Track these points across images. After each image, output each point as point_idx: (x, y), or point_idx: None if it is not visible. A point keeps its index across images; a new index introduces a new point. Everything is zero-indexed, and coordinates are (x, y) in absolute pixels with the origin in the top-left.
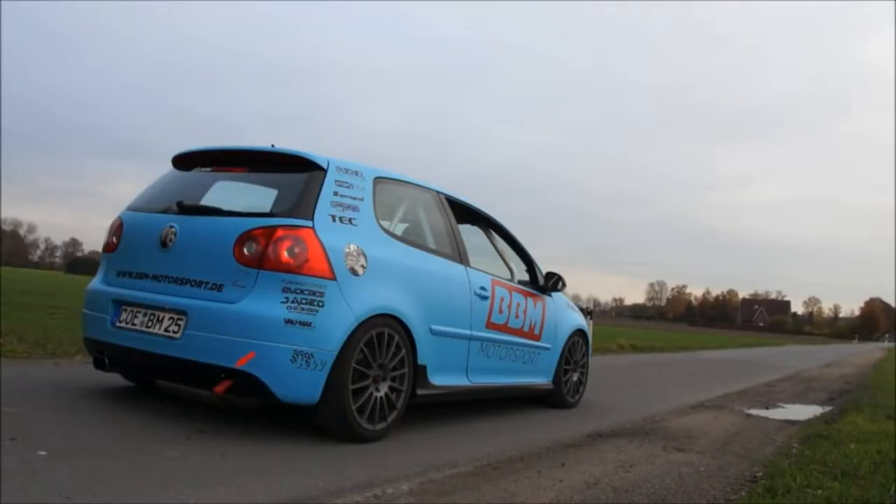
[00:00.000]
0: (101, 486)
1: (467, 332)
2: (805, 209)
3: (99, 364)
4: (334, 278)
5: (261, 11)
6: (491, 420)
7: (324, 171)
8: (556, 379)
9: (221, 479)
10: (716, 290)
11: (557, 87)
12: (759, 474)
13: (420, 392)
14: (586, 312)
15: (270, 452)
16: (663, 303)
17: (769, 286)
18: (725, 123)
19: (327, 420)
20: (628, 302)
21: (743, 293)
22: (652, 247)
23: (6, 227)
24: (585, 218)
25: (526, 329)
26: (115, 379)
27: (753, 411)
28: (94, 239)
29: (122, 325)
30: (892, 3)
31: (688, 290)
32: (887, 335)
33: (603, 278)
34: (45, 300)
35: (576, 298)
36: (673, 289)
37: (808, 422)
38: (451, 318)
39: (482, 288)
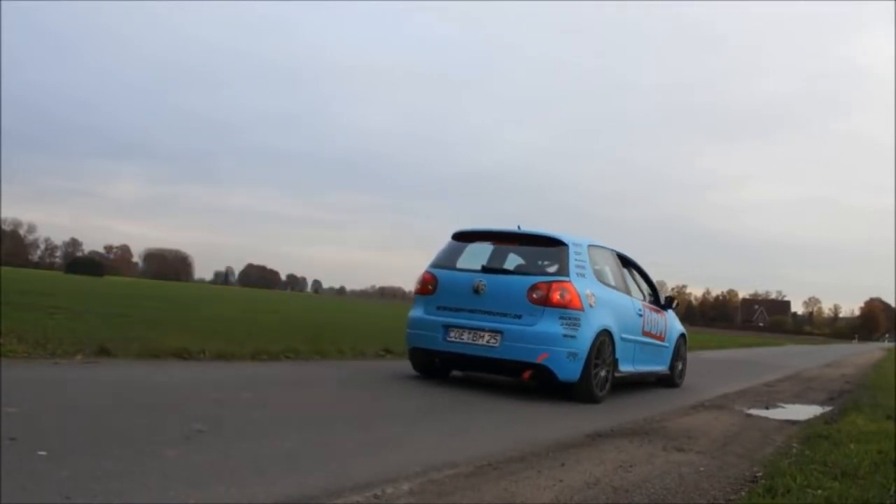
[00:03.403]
0: (101, 486)
1: (634, 337)
2: (805, 209)
3: (429, 364)
4: (583, 310)
5: (261, 11)
6: (491, 420)
7: (567, 245)
8: (671, 367)
9: (221, 479)
10: (716, 290)
11: (557, 87)
12: (759, 474)
13: (616, 375)
14: None
15: (271, 452)
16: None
17: (769, 286)
18: (725, 123)
19: (581, 391)
20: None
21: (743, 293)
22: (652, 247)
23: (6, 227)
24: (585, 218)
25: (657, 334)
26: (114, 379)
27: (753, 411)
28: (93, 239)
29: (453, 339)
30: (892, 2)
31: (688, 290)
32: (887, 335)
33: None
34: (45, 300)
35: None
36: (673, 289)
37: (808, 422)
38: (629, 330)
39: (639, 310)
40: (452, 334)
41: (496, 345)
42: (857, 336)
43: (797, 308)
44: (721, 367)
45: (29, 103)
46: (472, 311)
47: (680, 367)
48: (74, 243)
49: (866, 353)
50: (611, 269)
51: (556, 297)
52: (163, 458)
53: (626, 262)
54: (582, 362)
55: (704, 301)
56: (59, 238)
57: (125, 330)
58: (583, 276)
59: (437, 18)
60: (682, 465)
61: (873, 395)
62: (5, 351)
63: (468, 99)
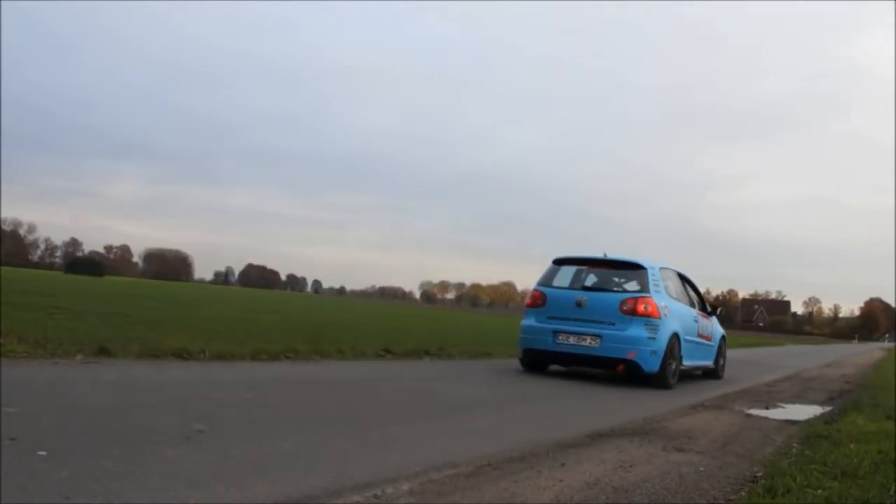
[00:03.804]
0: (101, 486)
1: (692, 339)
2: (805, 209)
3: (537, 361)
4: (660, 318)
5: (261, 11)
6: (491, 420)
7: (646, 269)
8: (715, 362)
9: (221, 479)
10: (716, 290)
11: (557, 87)
12: (759, 474)
13: (681, 368)
14: None
15: (270, 452)
16: None
17: (769, 286)
18: (726, 123)
19: (659, 380)
20: None
21: (743, 293)
22: (652, 247)
23: (6, 227)
24: (586, 218)
25: (707, 336)
26: (114, 379)
27: (753, 411)
28: (93, 239)
29: (561, 342)
30: (892, 2)
31: None
32: (887, 335)
33: None
34: (45, 300)
35: None
36: None
37: (808, 422)
38: (689, 332)
39: (695, 317)
40: (560, 338)
41: (596, 346)
42: (857, 336)
43: (797, 308)
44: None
45: (29, 103)
46: (575, 319)
47: (721, 362)
48: (74, 243)
49: (866, 353)
50: (674, 285)
51: (641, 308)
52: (163, 458)
53: (683, 279)
54: (660, 358)
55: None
56: (59, 238)
57: (125, 330)
58: (658, 292)
59: (437, 18)
60: (682, 465)
61: (873, 395)
62: (5, 351)
63: (468, 99)
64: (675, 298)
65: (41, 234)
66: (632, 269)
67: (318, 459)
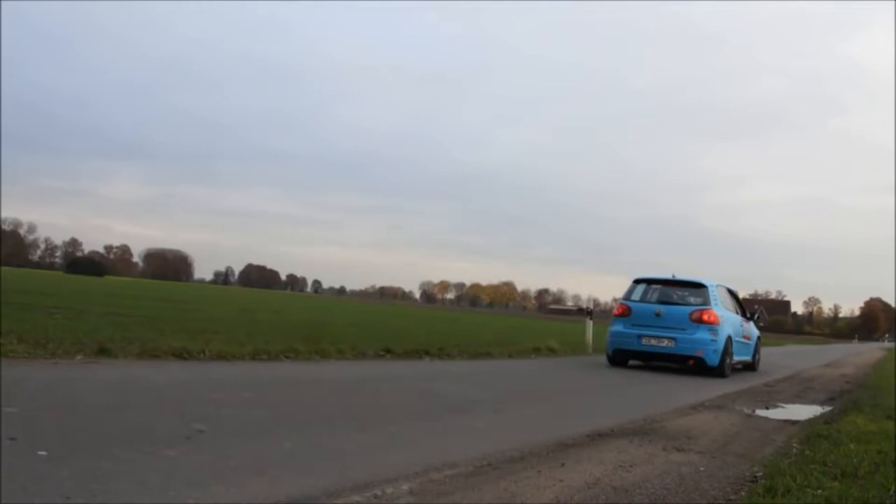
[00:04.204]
0: (101, 486)
1: (739, 339)
2: (804, 209)
3: (622, 359)
4: (719, 325)
5: (256, 11)
6: (491, 420)
7: (707, 287)
8: (752, 357)
9: (221, 479)
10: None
11: (553, 87)
12: (759, 474)
13: (731, 362)
14: (586, 313)
15: (270, 452)
16: None
17: (769, 286)
18: (724, 123)
19: (719, 371)
20: None
21: (743, 293)
22: (652, 247)
23: (6, 227)
24: (585, 218)
25: (748, 336)
26: (114, 379)
27: (753, 411)
28: (93, 239)
29: (644, 343)
30: (892, 2)
31: None
32: (887, 335)
33: (603, 278)
34: (45, 300)
35: (576, 298)
36: None
37: (808, 422)
38: (737, 335)
39: (740, 322)
40: (643, 340)
41: (672, 346)
42: (857, 336)
43: (797, 308)
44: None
45: (27, 103)
46: (654, 326)
47: (757, 357)
48: (74, 243)
49: (866, 353)
50: (725, 298)
51: (705, 317)
52: (163, 458)
53: (730, 293)
54: (719, 355)
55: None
56: (59, 238)
57: (125, 330)
58: (716, 304)
59: (436, 18)
60: (682, 465)
61: (873, 395)
62: (5, 351)
63: (463, 98)
64: (727, 308)
65: (41, 234)
66: (696, 287)
67: (319, 459)
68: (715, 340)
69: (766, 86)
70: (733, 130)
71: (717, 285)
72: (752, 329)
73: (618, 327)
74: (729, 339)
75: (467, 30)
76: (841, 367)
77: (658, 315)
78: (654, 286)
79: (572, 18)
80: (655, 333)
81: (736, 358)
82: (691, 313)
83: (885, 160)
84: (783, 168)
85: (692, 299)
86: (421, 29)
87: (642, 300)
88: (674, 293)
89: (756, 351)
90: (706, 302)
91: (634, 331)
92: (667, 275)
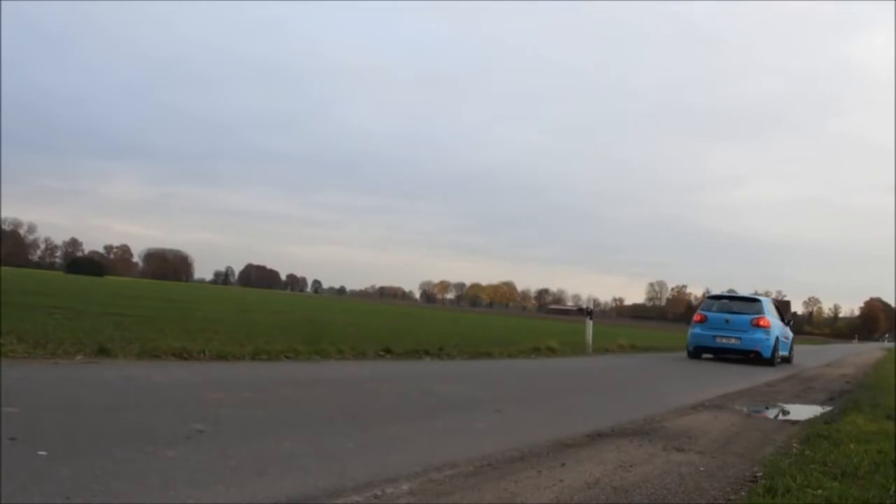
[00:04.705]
0: (101, 486)
1: (782, 339)
2: (804, 209)
3: (700, 354)
4: (770, 328)
5: (256, 12)
6: (491, 420)
7: (761, 301)
8: (789, 353)
9: (221, 479)
10: (716, 290)
11: (553, 86)
12: (759, 474)
13: (777, 356)
14: (586, 313)
15: (270, 452)
16: (663, 303)
17: (769, 286)
18: (724, 123)
19: (770, 362)
20: (628, 302)
21: (743, 293)
22: (652, 247)
23: (6, 227)
24: (585, 218)
25: (786, 336)
26: (114, 379)
27: (753, 411)
28: (93, 238)
29: (718, 341)
30: (892, 2)
31: (688, 290)
32: (887, 335)
33: (603, 278)
34: (45, 300)
35: (576, 298)
36: (673, 289)
37: (808, 422)
38: (781, 335)
39: (782, 326)
40: (717, 339)
41: (738, 344)
42: (857, 336)
43: (797, 308)
44: (721, 367)
45: (26, 104)
46: (725, 329)
47: (792, 353)
48: (74, 243)
49: (866, 353)
50: (772, 308)
51: (761, 323)
52: (163, 458)
53: (775, 304)
54: (771, 350)
55: (704, 301)
56: (59, 238)
57: (125, 330)
58: (768, 313)
59: (435, 19)
60: (682, 465)
61: (873, 395)
62: (5, 351)
63: (463, 98)
64: (774, 316)
65: (41, 234)
66: (753, 301)
67: (319, 459)
68: (768, 339)
69: (766, 86)
70: (733, 130)
71: (767, 300)
72: (789, 332)
73: (697, 330)
74: (777, 338)
75: (467, 30)
76: (841, 367)
77: (727, 321)
78: (722, 300)
79: (572, 18)
80: (726, 334)
81: (780, 353)
82: (751, 320)
83: (884, 160)
84: (783, 168)
85: (751, 309)
86: (421, 29)
87: (715, 311)
88: (737, 305)
89: (791, 348)
90: (761, 311)
91: (710, 332)
92: (731, 292)
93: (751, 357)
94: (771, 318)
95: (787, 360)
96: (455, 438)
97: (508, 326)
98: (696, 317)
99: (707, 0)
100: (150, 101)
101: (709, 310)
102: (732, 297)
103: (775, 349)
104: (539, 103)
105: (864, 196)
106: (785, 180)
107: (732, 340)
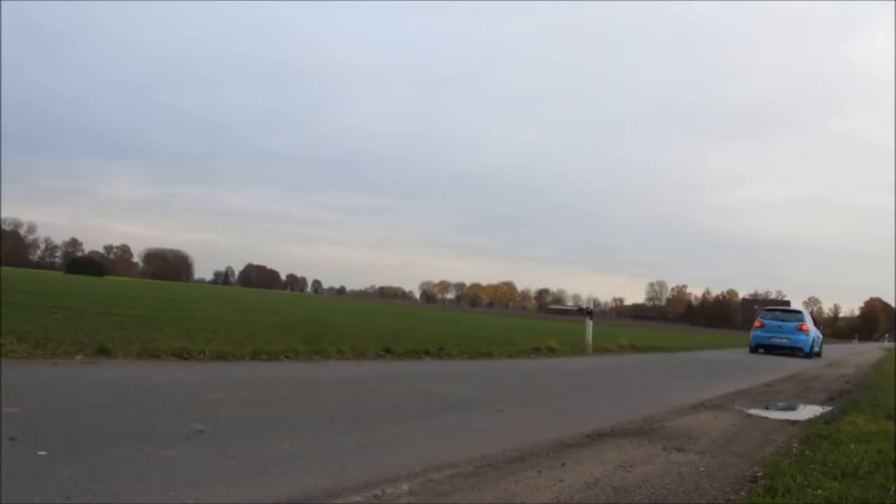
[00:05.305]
0: (101, 486)
1: (817, 339)
2: (804, 209)
3: (759, 349)
4: (810, 332)
5: (256, 12)
6: (491, 420)
7: (802, 312)
8: (819, 349)
9: (221, 479)
10: (716, 290)
11: (553, 86)
12: (759, 474)
13: (815, 351)
14: (586, 313)
15: (270, 452)
16: (663, 303)
17: (769, 286)
18: (726, 123)
19: (810, 356)
20: (628, 302)
21: (743, 293)
22: (652, 247)
23: (6, 227)
24: (585, 218)
25: (819, 337)
26: (114, 379)
27: (753, 411)
28: (92, 238)
29: (773, 340)
30: (891, 2)
31: (688, 290)
32: (887, 335)
33: (603, 278)
34: (45, 300)
35: (576, 298)
36: (673, 289)
37: (808, 422)
38: (816, 336)
39: (819, 329)
40: (773, 339)
41: (788, 343)
42: (857, 336)
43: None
44: (721, 367)
45: (26, 104)
46: (778, 331)
47: (821, 349)
48: (74, 243)
49: (866, 353)
50: (809, 317)
51: (804, 327)
52: (163, 458)
53: (810, 313)
54: (810, 346)
55: (704, 301)
56: (59, 238)
57: (125, 330)
58: (808, 321)
59: (435, 19)
60: (682, 465)
61: (873, 395)
62: (5, 351)
63: (466, 99)
64: (811, 323)
65: (41, 234)
66: (797, 311)
67: (319, 459)
68: (807, 339)
69: (766, 86)
70: (733, 130)
71: (807, 312)
72: (820, 334)
73: (758, 332)
74: (814, 339)
75: (467, 30)
76: (841, 367)
77: (780, 327)
78: (775, 311)
79: (572, 18)
80: (778, 335)
81: (814, 349)
82: (796, 325)
83: (884, 160)
84: (783, 168)
85: (795, 318)
86: (421, 29)
87: (769, 318)
88: (786, 315)
89: (821, 346)
90: (803, 320)
91: (766, 334)
92: (782, 305)
93: (797, 352)
94: (808, 322)
95: (818, 355)
96: (455, 438)
97: (508, 326)
98: (756, 323)
99: (707, 0)
100: (150, 101)
101: (765, 318)
102: (783, 309)
103: (812, 346)
104: (539, 103)
105: (864, 196)
106: (785, 180)
107: (784, 340)
